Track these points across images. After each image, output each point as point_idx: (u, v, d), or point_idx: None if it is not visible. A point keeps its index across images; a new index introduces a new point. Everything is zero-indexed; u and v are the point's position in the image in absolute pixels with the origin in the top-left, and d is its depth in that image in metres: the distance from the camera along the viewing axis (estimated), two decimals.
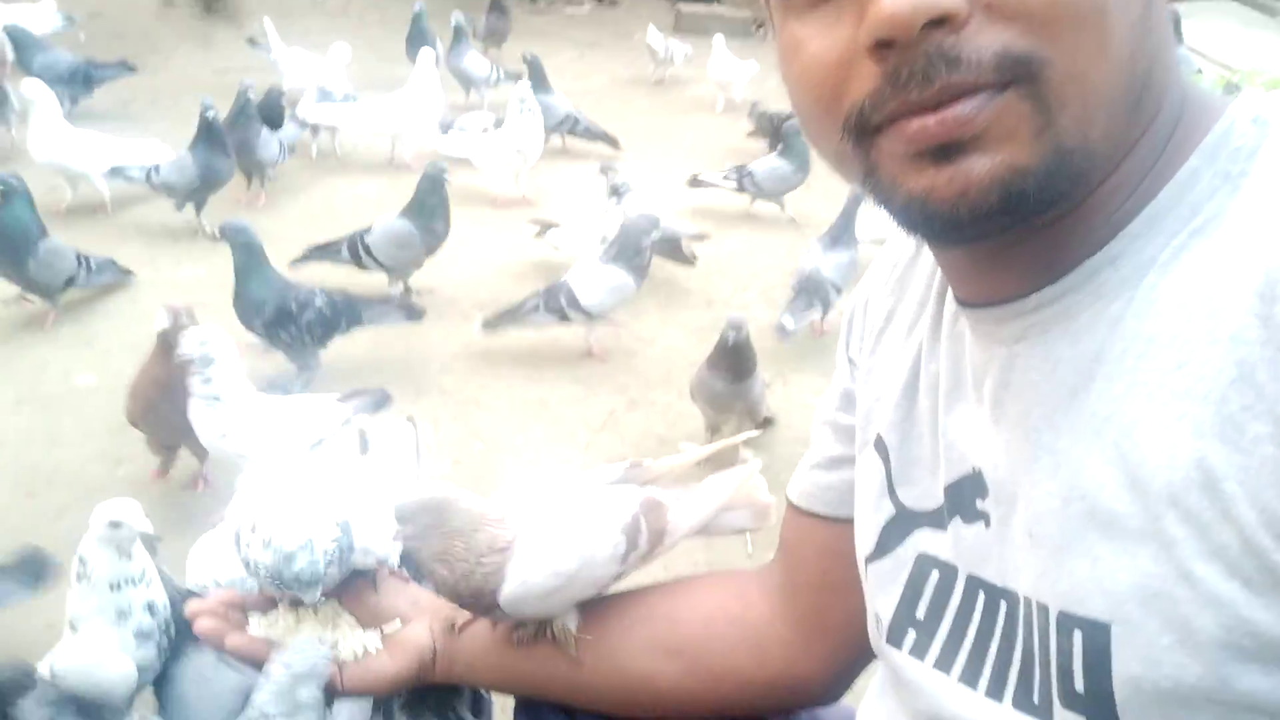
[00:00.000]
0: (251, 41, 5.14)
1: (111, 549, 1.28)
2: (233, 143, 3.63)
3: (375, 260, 3.15)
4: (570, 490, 1.07)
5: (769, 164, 3.95)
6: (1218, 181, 0.57)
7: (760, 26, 7.04)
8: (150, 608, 1.31)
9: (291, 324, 2.60)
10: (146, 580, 1.31)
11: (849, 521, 0.84)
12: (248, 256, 2.62)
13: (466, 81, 5.12)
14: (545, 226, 3.52)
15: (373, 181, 4.24)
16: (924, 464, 0.74)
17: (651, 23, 6.30)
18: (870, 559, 0.78)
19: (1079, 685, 0.58)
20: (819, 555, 0.90)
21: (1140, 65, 0.56)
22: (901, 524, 0.76)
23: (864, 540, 0.80)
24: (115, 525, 1.26)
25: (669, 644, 0.98)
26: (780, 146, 3.97)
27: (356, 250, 3.13)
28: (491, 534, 0.95)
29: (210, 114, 3.54)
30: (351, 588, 1.04)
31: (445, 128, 4.41)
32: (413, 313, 2.88)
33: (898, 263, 0.81)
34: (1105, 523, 0.57)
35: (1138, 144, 0.58)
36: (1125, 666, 0.56)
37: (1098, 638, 0.57)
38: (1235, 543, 0.52)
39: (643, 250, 2.97)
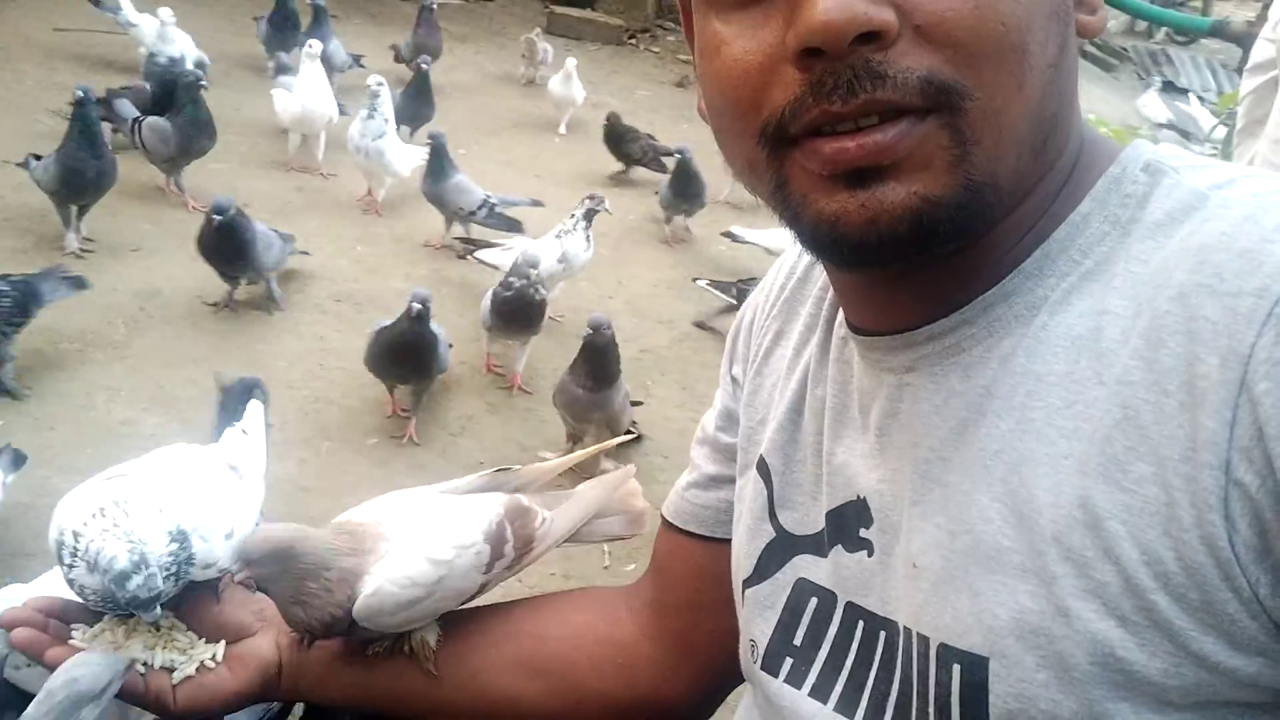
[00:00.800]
0: (96, 1, 4.79)
1: None
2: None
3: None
4: (430, 498, 1.03)
5: None
6: (1107, 226, 0.59)
7: (632, 37, 7.06)
8: None
9: None
10: None
11: (724, 541, 0.83)
12: None
13: (329, 68, 4.93)
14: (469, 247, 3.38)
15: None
16: (806, 488, 0.74)
17: (529, 24, 6.24)
18: (748, 583, 0.77)
19: (955, 717, 0.59)
20: (692, 574, 0.89)
21: (1049, 108, 0.57)
22: (781, 548, 0.75)
23: (742, 564, 0.78)
24: None
25: (534, 662, 0.95)
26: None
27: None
28: (343, 568, 0.90)
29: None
30: (190, 598, 0.95)
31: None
32: (80, 282, 2.66)
33: (786, 284, 0.81)
34: (988, 557, 0.57)
35: (1039, 184, 0.59)
36: (1002, 700, 0.56)
37: (976, 671, 0.57)
38: (1115, 581, 0.53)
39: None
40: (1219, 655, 0.51)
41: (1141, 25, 10.13)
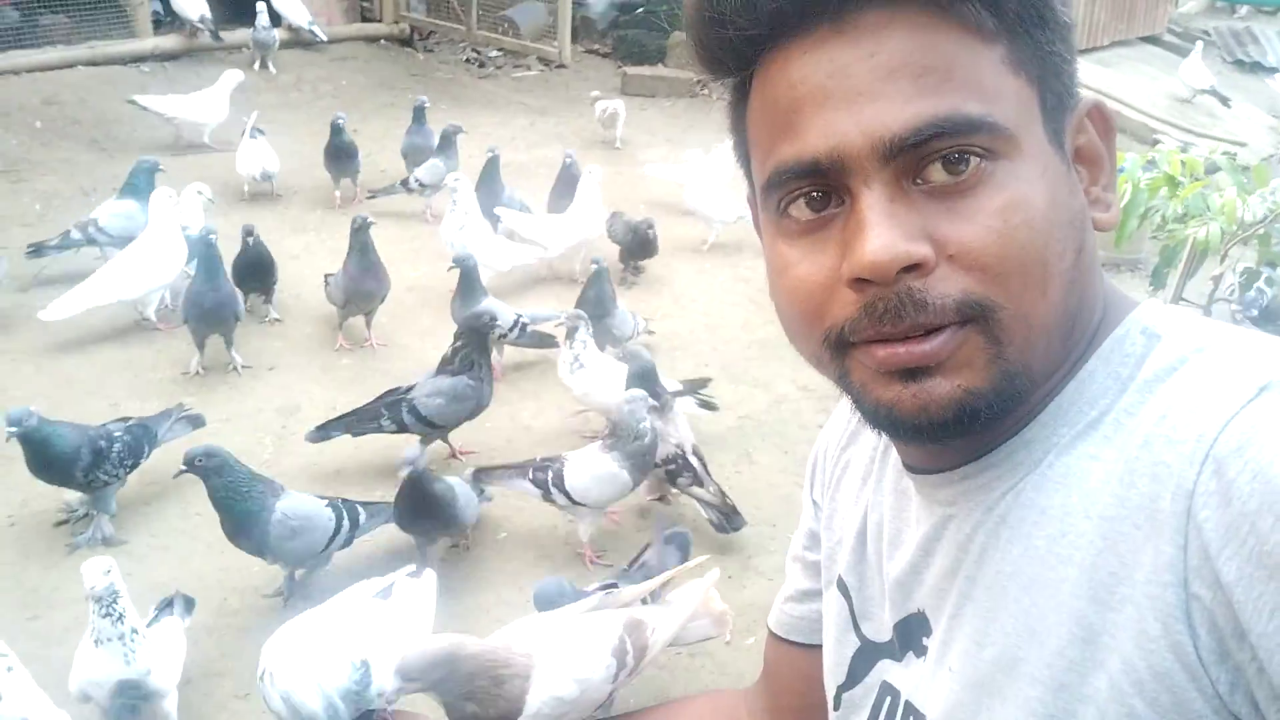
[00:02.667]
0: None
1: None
2: None
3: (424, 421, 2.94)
4: (560, 621, 1.21)
5: None
6: (1109, 382, 0.68)
7: (704, 88, 7.25)
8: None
9: (106, 462, 2.60)
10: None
11: (821, 648, 0.95)
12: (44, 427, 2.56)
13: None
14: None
15: None
16: (876, 601, 0.86)
17: (597, 88, 6.44)
18: (843, 688, 0.89)
19: None
20: (798, 679, 1.00)
21: (1073, 300, 0.67)
22: (867, 655, 0.86)
23: (835, 671, 0.89)
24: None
25: None
26: None
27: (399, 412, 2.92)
28: (506, 665, 1.09)
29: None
30: None
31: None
32: (196, 421, 2.94)
33: (852, 419, 0.93)
34: (1009, 667, 0.67)
35: (1066, 358, 0.70)
36: None
37: None
38: (1105, 689, 0.62)
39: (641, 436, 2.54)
40: None
41: (1222, 3, 9.87)
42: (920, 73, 0.63)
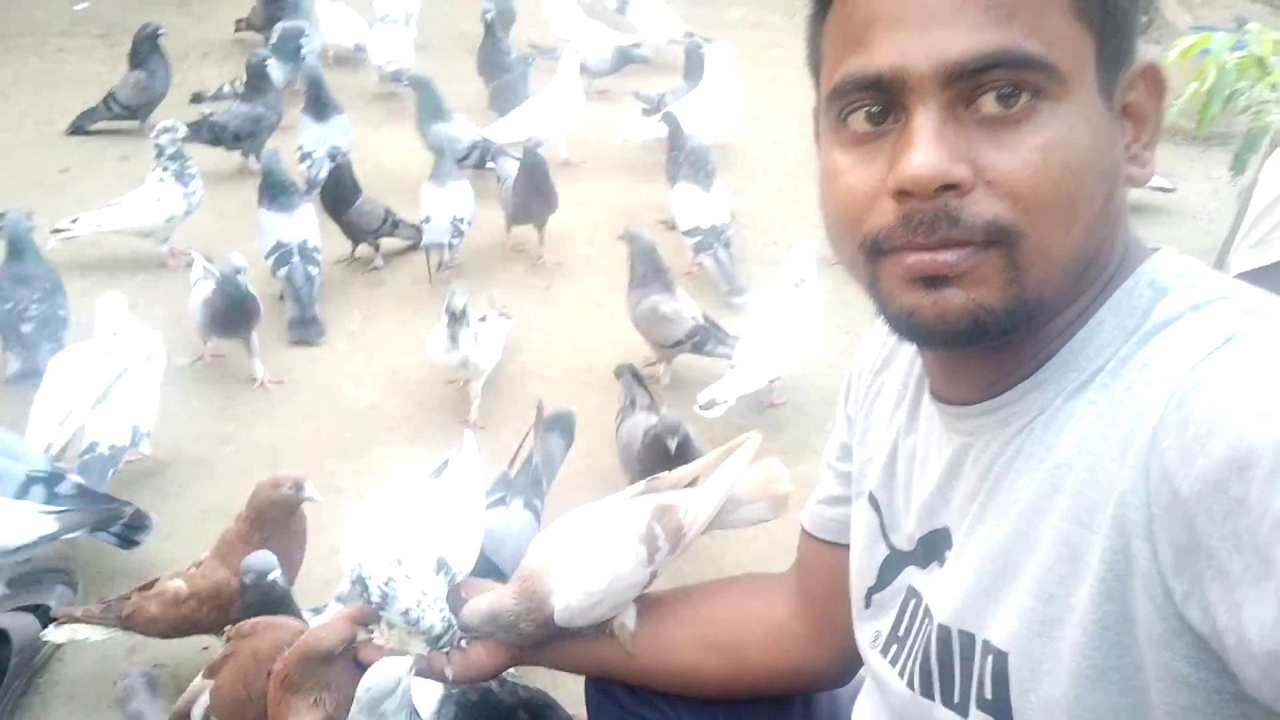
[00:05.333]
0: None
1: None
2: None
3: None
4: (591, 514, 1.30)
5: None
6: (1116, 332, 0.75)
7: None
8: None
9: None
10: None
11: (848, 547, 1.06)
12: None
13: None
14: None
15: None
16: (902, 516, 0.96)
17: None
18: (873, 589, 0.98)
19: (988, 693, 0.79)
20: (827, 571, 1.11)
21: (1093, 243, 0.73)
22: (895, 562, 0.96)
23: (864, 574, 0.99)
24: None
25: (709, 640, 1.23)
26: None
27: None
28: (537, 594, 1.20)
29: None
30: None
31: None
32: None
33: (886, 342, 1.02)
34: (1011, 577, 0.77)
35: (1079, 297, 0.76)
36: (1020, 683, 0.77)
37: (999, 663, 0.78)
38: (1084, 599, 0.71)
39: None
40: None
41: None
42: (990, 5, 0.68)
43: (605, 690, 1.31)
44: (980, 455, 0.82)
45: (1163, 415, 0.66)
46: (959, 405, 0.85)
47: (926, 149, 0.69)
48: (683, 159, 3.39)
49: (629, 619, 1.25)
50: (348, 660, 1.26)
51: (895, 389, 0.98)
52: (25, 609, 1.90)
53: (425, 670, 1.23)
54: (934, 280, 0.72)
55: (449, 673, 1.23)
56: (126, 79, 4.14)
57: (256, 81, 3.88)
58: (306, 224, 3.15)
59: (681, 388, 2.85)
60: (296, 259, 3.07)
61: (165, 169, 3.18)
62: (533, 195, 3.32)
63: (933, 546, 0.91)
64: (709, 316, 2.84)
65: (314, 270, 3.09)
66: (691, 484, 1.38)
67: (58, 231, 3.15)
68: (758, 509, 1.36)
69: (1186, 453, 0.63)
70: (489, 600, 1.20)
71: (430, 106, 3.73)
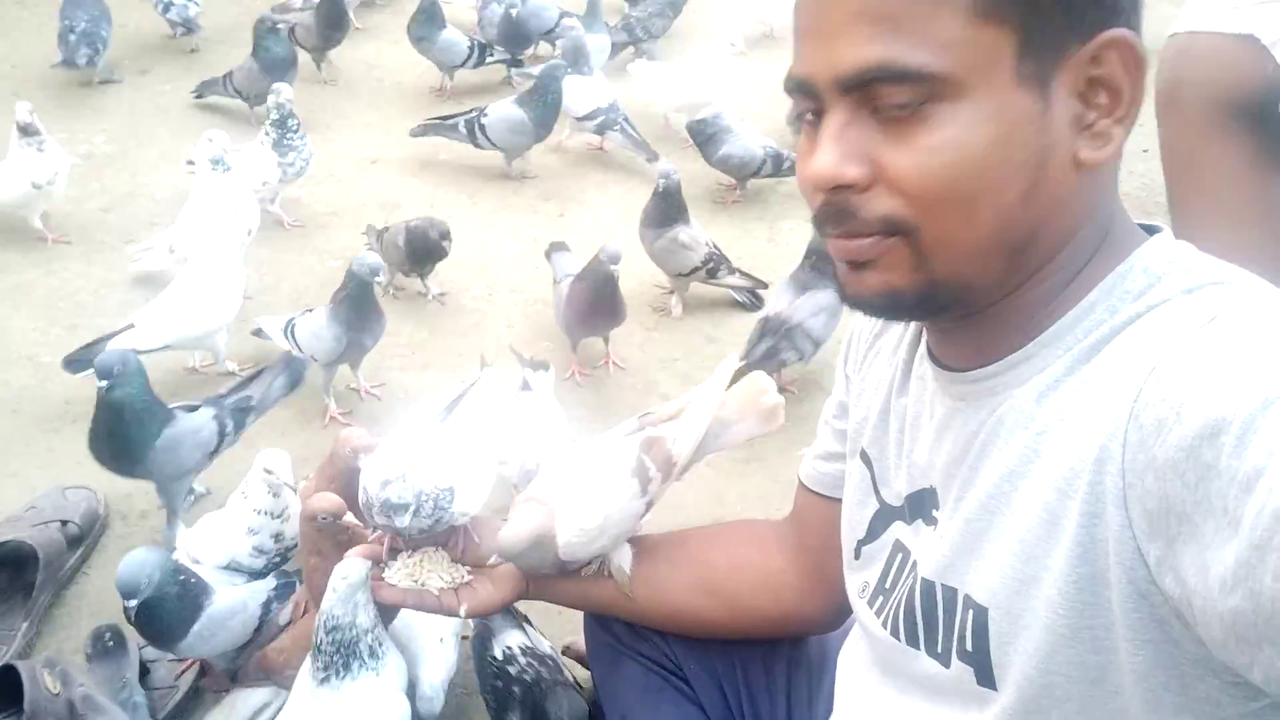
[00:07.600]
0: None
1: (264, 486, 1.63)
2: None
3: (489, 140, 3.38)
4: (586, 452, 1.34)
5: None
6: (1105, 315, 0.78)
7: None
8: (276, 537, 1.72)
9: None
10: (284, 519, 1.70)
11: (842, 502, 1.10)
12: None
13: None
14: None
15: None
16: (893, 473, 1.00)
17: None
18: (863, 542, 1.04)
19: (969, 645, 0.84)
20: (822, 524, 1.16)
21: (1016, 230, 0.76)
22: (884, 517, 1.00)
23: (855, 527, 1.04)
24: (268, 472, 1.60)
25: (706, 585, 1.29)
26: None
27: (473, 129, 3.37)
28: (545, 524, 1.24)
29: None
30: (455, 537, 1.34)
31: None
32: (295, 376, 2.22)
33: None
34: (993, 537, 0.81)
35: (1041, 271, 0.80)
36: (998, 636, 0.81)
37: (980, 617, 0.82)
38: (1060, 560, 0.74)
39: None
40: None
41: None
42: (876, 20, 0.72)
43: (605, 625, 1.38)
44: (968, 420, 0.86)
45: (1142, 388, 0.69)
46: (952, 371, 0.89)
47: (824, 151, 0.76)
48: (562, 58, 3.51)
49: (625, 562, 1.30)
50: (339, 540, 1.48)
51: (890, 345, 1.02)
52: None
53: (438, 608, 1.28)
54: (855, 264, 0.81)
55: (462, 611, 1.28)
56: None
57: None
58: None
59: (692, 317, 2.91)
60: None
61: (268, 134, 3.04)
62: (595, 310, 2.62)
63: (919, 504, 0.95)
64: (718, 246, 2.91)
65: None
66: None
67: None
68: (748, 425, 1.36)
69: (1163, 423, 0.65)
70: (528, 526, 1.23)
71: None
